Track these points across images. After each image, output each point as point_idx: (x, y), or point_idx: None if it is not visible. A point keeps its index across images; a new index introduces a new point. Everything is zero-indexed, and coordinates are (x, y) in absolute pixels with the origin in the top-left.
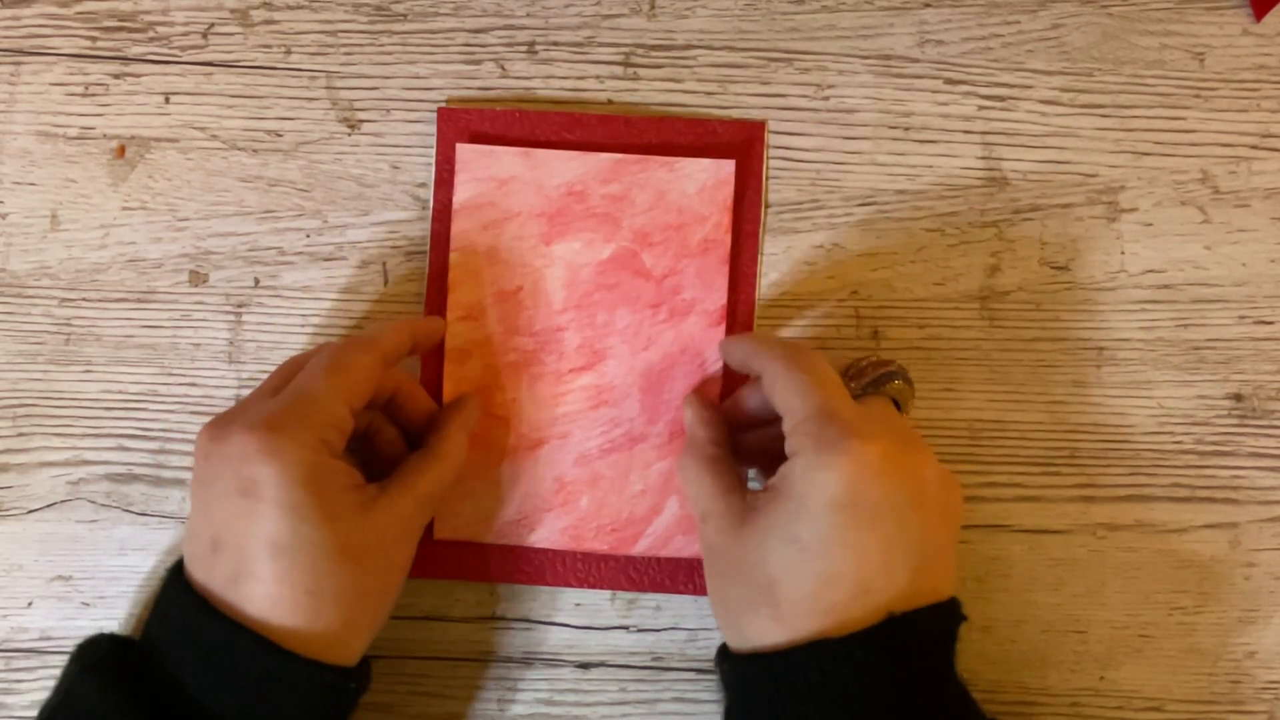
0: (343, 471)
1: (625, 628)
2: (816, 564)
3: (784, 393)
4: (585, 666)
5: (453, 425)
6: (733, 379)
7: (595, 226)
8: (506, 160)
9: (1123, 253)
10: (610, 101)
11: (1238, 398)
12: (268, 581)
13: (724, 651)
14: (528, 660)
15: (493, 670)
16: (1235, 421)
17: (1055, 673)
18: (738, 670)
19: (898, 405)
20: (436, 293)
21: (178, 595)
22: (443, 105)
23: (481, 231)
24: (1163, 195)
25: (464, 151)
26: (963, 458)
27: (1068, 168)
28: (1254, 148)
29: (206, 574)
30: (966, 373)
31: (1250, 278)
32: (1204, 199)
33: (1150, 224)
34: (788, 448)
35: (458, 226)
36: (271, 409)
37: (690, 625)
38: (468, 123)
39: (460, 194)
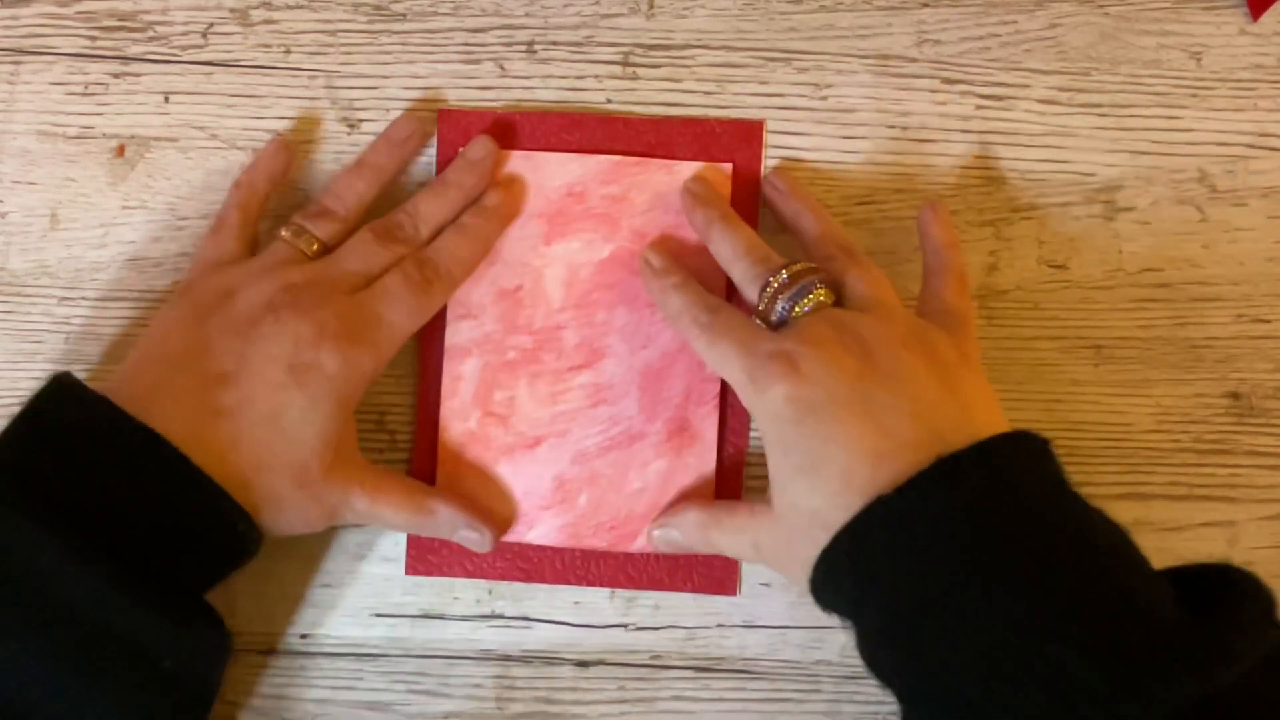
0: (353, 427)
1: (624, 626)
2: (825, 470)
3: (716, 366)
4: (584, 665)
5: (457, 509)
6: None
7: (594, 227)
8: (508, 162)
9: (1120, 251)
10: (609, 101)
11: (1235, 396)
12: (250, 441)
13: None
14: (526, 658)
15: (491, 668)
16: (1233, 420)
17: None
18: (821, 579)
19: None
20: None
21: (83, 400)
22: (443, 107)
23: None
24: (1160, 194)
25: None
26: None
27: (1065, 167)
28: (1251, 147)
29: (158, 387)
30: None
31: (1247, 276)
32: (1201, 198)
33: (1148, 223)
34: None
35: None
36: (354, 322)
37: (689, 623)
38: (468, 125)
39: None
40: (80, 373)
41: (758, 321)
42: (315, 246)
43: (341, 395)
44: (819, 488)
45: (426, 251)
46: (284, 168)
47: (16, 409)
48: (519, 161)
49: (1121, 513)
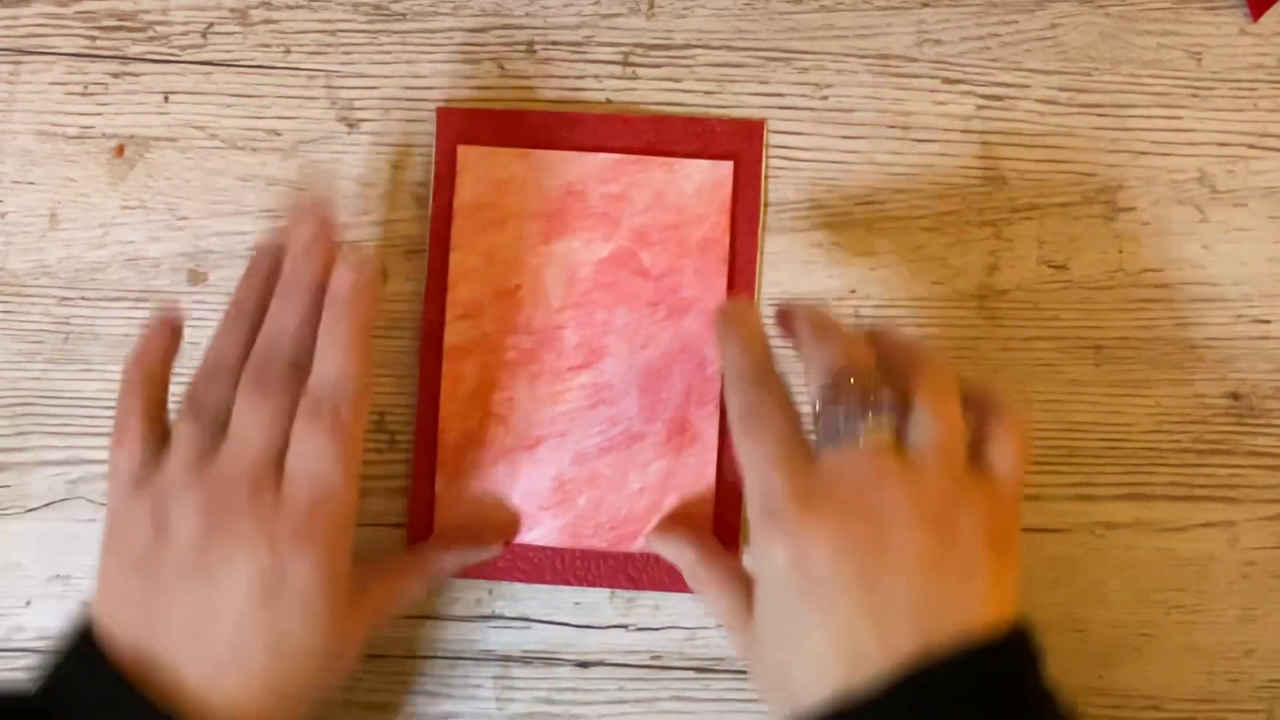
0: (349, 576)
1: (624, 626)
2: (802, 650)
3: (739, 456)
4: (584, 665)
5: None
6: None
7: (594, 226)
8: (506, 161)
9: (1120, 252)
10: (609, 101)
11: (1235, 396)
12: (263, 675)
13: None
14: (526, 659)
15: (491, 669)
16: (1233, 420)
17: (1054, 672)
18: None
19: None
20: (435, 292)
21: (94, 669)
22: (442, 105)
23: (481, 231)
24: (1160, 194)
25: (465, 153)
26: None
27: (1066, 167)
28: (1251, 147)
29: (140, 626)
30: (965, 372)
31: (1248, 277)
32: (1202, 198)
33: (1148, 223)
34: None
35: (457, 226)
36: (295, 517)
37: (689, 624)
38: (467, 123)
39: (461, 195)
40: (80, 372)
41: (811, 427)
42: (218, 426)
43: (327, 582)
44: (791, 663)
45: (308, 395)
46: (177, 342)
47: (17, 408)
48: (518, 160)
49: (1122, 513)
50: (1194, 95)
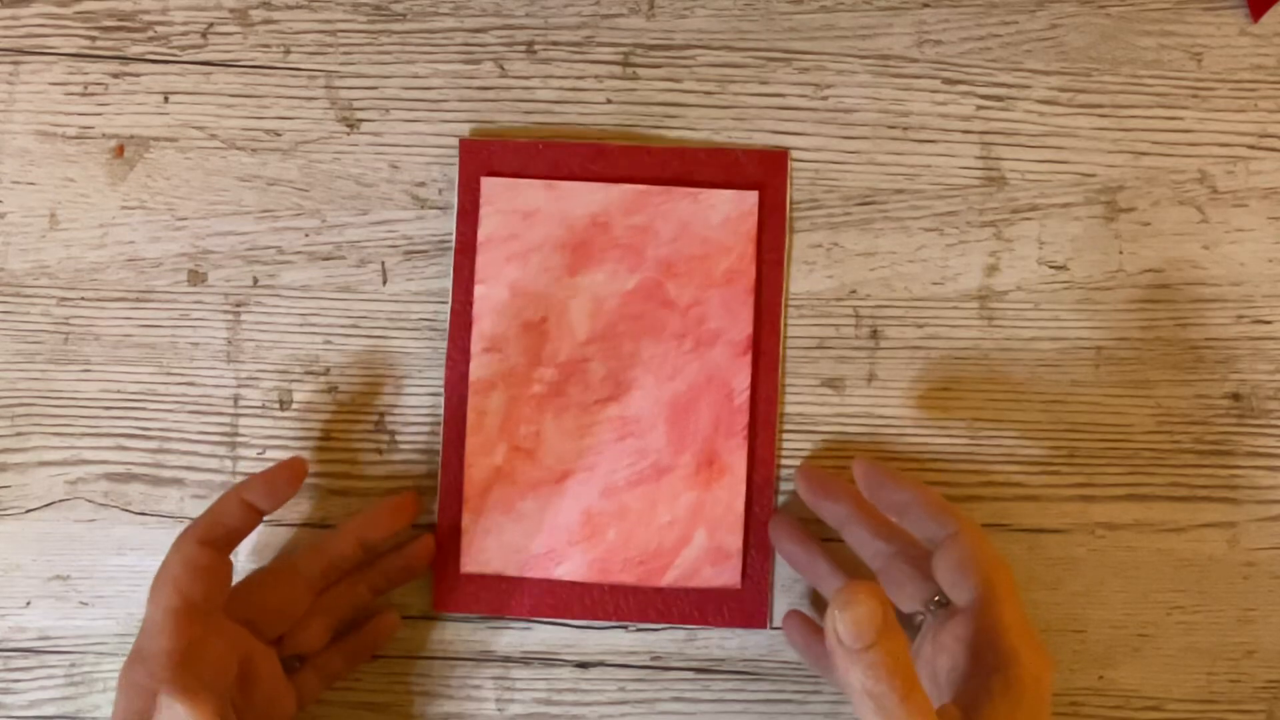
0: None
1: (624, 627)
2: None
3: (987, 584)
4: (584, 666)
5: None
6: (760, 413)
7: (619, 257)
8: (530, 193)
9: (1121, 252)
10: (609, 101)
11: (1236, 397)
12: None
13: None
14: (526, 660)
15: (491, 670)
16: (1233, 421)
17: (1054, 672)
18: None
19: None
20: (460, 327)
21: None
22: (464, 138)
23: (505, 264)
24: (1161, 195)
25: (489, 185)
26: (962, 457)
27: (1066, 167)
28: (1251, 148)
29: None
30: (965, 372)
31: (1248, 277)
32: (1202, 199)
33: (1148, 223)
34: (992, 652)
35: (482, 259)
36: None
37: (688, 624)
38: (490, 155)
39: (485, 227)
40: (80, 373)
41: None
42: None
43: None
44: None
45: None
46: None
47: (17, 408)
48: (542, 191)
49: (1122, 514)
50: (1194, 96)
